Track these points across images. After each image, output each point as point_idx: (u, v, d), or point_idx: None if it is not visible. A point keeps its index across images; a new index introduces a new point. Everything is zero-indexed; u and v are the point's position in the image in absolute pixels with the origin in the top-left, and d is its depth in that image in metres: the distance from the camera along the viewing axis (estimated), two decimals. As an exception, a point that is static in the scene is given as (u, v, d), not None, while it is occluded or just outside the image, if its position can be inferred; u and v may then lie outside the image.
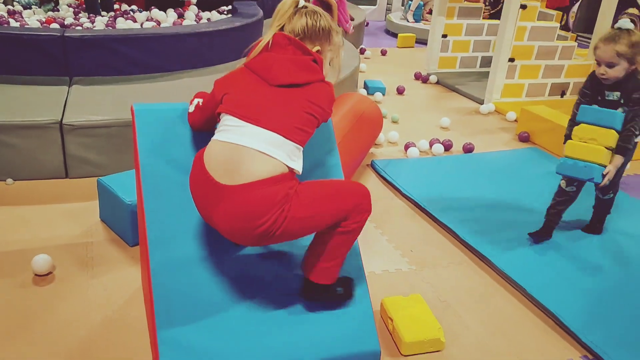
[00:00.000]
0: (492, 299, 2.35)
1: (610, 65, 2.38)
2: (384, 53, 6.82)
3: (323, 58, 1.75)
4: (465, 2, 5.92)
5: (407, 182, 3.29)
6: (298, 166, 1.65)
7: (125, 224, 2.48)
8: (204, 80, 3.72)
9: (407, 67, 6.13)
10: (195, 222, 1.81)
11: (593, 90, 2.50)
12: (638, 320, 2.20)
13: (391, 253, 2.63)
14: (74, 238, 2.55)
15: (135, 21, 4.73)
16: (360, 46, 6.90)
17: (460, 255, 2.66)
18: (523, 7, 4.66)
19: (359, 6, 8.31)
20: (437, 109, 4.88)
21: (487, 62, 5.86)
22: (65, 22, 4.56)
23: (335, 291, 1.82)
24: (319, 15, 1.73)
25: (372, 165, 3.54)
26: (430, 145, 3.89)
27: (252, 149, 1.58)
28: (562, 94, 5.21)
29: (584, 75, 5.30)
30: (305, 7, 1.73)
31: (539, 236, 2.70)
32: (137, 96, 3.36)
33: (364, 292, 1.92)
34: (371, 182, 3.37)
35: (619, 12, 7.83)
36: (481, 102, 5.04)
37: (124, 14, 5.07)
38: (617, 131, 2.36)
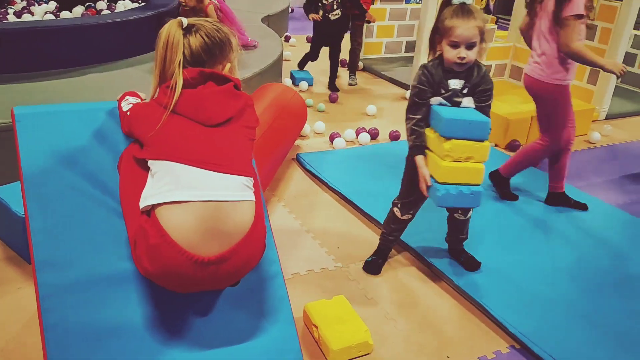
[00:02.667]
0: (422, 293, 2.29)
1: (471, 46, 1.99)
2: (309, 40, 6.66)
3: (232, 68, 1.62)
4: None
5: (334, 174, 3.19)
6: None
7: (21, 240, 2.23)
8: (114, 75, 3.46)
9: (334, 54, 6.02)
10: (88, 241, 1.62)
11: (433, 85, 2.06)
12: (564, 309, 2.20)
13: (317, 251, 2.52)
14: (-37, 258, 2.29)
15: (32, 14, 4.35)
16: (285, 33, 6.74)
17: (388, 249, 2.59)
18: (443, -10, 4.64)
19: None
20: (364, 96, 4.81)
21: (412, 46, 5.85)
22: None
23: None
24: (209, 26, 1.56)
25: (298, 159, 3.41)
26: (357, 135, 3.82)
27: (232, 202, 1.45)
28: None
29: (504, 57, 5.39)
30: (192, 24, 1.55)
31: (375, 266, 2.39)
32: (35, 96, 3.06)
33: (283, 300, 1.79)
34: (296, 176, 3.25)
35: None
36: (407, 88, 5.01)
37: (29, 5, 4.67)
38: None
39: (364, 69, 5.62)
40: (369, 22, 5.63)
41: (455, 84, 2.07)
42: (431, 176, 2.08)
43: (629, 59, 5.41)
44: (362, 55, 5.77)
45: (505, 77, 5.48)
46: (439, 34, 2.05)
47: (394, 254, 2.53)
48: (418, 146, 2.10)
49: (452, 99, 2.08)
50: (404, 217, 2.34)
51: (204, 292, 1.68)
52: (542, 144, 2.88)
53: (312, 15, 4.60)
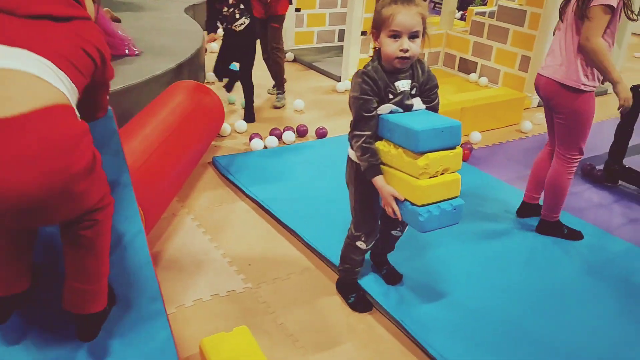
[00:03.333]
0: (335, 315, 2.08)
1: (414, 36, 1.70)
2: (240, 30, 6.37)
3: None
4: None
5: (251, 179, 2.95)
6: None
7: None
8: None
9: (264, 45, 5.75)
10: None
11: (379, 92, 1.76)
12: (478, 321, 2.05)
13: (225, 271, 2.28)
14: None
15: None
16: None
17: (303, 262, 2.37)
18: (370, -23, 4.44)
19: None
20: (293, 90, 4.57)
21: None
22: None
23: None
24: None
25: (214, 163, 3.15)
26: (282, 132, 3.57)
27: (23, 72, 1.22)
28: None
29: (438, 44, 5.26)
30: None
31: (363, 303, 2.13)
32: None
33: (168, 342, 1.56)
34: (212, 183, 2.99)
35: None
36: (338, 80, 4.81)
37: None
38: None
39: (295, 60, 5.37)
40: (298, 10, 5.39)
41: (403, 85, 1.78)
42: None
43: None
44: (293, 46, 5.53)
45: (439, 65, 5.36)
46: (376, 27, 1.76)
47: (308, 267, 2.33)
48: (374, 165, 1.79)
49: (404, 103, 1.79)
50: (370, 246, 2.05)
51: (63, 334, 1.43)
52: (566, 159, 2.51)
53: (208, 37, 3.91)
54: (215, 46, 5.46)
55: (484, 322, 2.03)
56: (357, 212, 1.99)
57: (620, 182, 3.30)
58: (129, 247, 1.70)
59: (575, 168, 2.53)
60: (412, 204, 1.74)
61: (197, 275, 2.23)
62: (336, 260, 2.30)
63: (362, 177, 1.85)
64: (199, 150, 2.96)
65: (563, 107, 2.43)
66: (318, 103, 4.31)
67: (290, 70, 5.08)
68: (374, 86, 1.75)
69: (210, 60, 4.91)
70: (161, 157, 2.50)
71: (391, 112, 1.79)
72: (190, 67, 4.03)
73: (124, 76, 3.33)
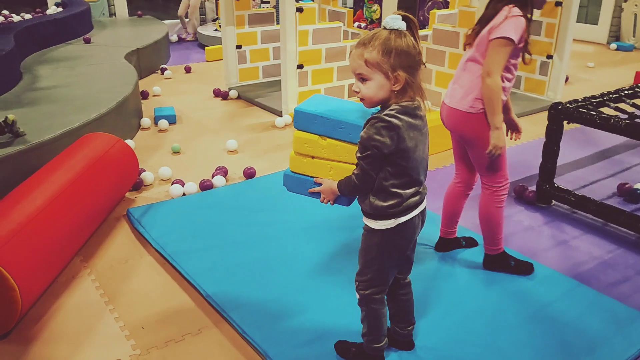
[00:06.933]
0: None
1: (362, 79, 1.61)
2: (188, 70, 6.33)
3: None
4: (254, 8, 5.59)
5: (162, 230, 2.82)
6: None
7: None
8: None
9: (212, 84, 5.69)
10: None
11: None
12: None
13: (114, 337, 2.14)
14: None
15: None
16: (161, 65, 6.35)
17: (202, 320, 2.23)
18: (299, 10, 4.39)
19: (164, 21, 7.74)
20: (230, 129, 4.48)
21: (289, 68, 5.57)
22: None
23: None
24: None
25: (127, 215, 3.03)
26: (212, 177, 3.45)
27: None
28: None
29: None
30: None
31: None
32: None
33: None
34: (121, 238, 2.85)
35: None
36: (280, 114, 4.72)
37: None
38: None
39: (238, 97, 5.30)
40: (239, 47, 5.33)
41: None
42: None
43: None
44: (237, 83, 5.46)
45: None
46: None
47: (206, 324, 2.19)
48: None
49: None
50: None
51: None
52: (492, 190, 2.38)
53: None
54: (157, 89, 5.40)
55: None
56: (371, 264, 1.78)
57: (553, 202, 3.19)
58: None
59: (504, 196, 2.40)
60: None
61: (82, 345, 2.09)
62: (235, 315, 2.19)
63: (389, 245, 1.74)
64: (100, 206, 2.83)
65: (470, 134, 2.33)
66: (253, 141, 4.22)
67: (232, 108, 5.02)
68: None
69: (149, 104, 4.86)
70: (52, 216, 2.39)
71: None
72: (119, 115, 3.93)
73: (38, 130, 3.23)
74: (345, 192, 1.72)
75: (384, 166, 1.64)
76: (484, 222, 2.46)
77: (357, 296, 1.85)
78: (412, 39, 1.58)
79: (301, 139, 1.77)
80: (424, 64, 1.63)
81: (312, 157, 1.77)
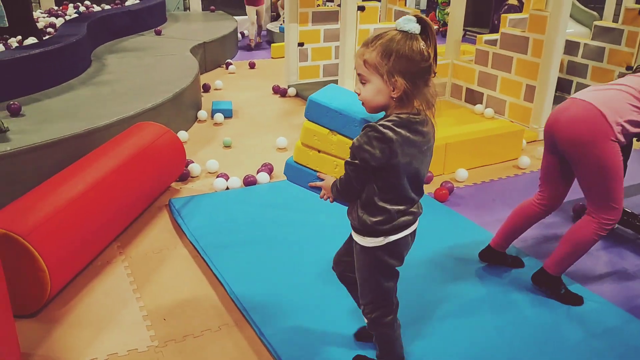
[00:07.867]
0: (239, 377, 1.89)
1: (363, 81, 1.49)
2: (252, 66, 6.39)
3: None
4: (319, 6, 5.54)
5: (199, 223, 2.82)
6: None
7: None
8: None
9: (273, 80, 5.70)
10: None
11: None
12: None
13: (135, 326, 2.14)
14: None
15: None
16: (227, 60, 6.44)
17: (223, 317, 2.19)
18: (361, 9, 4.30)
19: (235, 17, 7.86)
20: (283, 126, 4.46)
21: (350, 68, 5.49)
22: None
23: None
24: None
25: (169, 206, 3.05)
26: (257, 173, 3.43)
27: None
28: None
29: (444, 74, 5.03)
30: None
31: None
32: None
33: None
34: (160, 227, 2.87)
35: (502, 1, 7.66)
36: (335, 114, 4.65)
37: None
38: None
39: (297, 95, 5.27)
40: (302, 44, 5.31)
41: None
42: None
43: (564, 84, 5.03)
44: (297, 81, 5.44)
45: (446, 97, 5.10)
46: None
47: (227, 322, 2.14)
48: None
49: None
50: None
51: None
52: (600, 223, 2.14)
53: None
54: (219, 83, 5.48)
55: None
56: (376, 286, 1.67)
57: (617, 225, 2.92)
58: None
59: (610, 228, 2.15)
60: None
61: (104, 331, 2.10)
62: (256, 316, 2.14)
63: (380, 264, 1.62)
64: (144, 193, 2.86)
65: (589, 146, 2.06)
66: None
67: (289, 106, 5.00)
68: None
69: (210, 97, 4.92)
70: (90, 202, 2.43)
71: None
72: (177, 105, 4.00)
73: (94, 117, 3.33)
74: (333, 193, 1.62)
75: (371, 180, 1.51)
76: (569, 244, 2.22)
77: (366, 320, 1.75)
78: (422, 43, 1.42)
79: (310, 130, 1.65)
80: (434, 73, 1.46)
81: (319, 151, 1.67)
